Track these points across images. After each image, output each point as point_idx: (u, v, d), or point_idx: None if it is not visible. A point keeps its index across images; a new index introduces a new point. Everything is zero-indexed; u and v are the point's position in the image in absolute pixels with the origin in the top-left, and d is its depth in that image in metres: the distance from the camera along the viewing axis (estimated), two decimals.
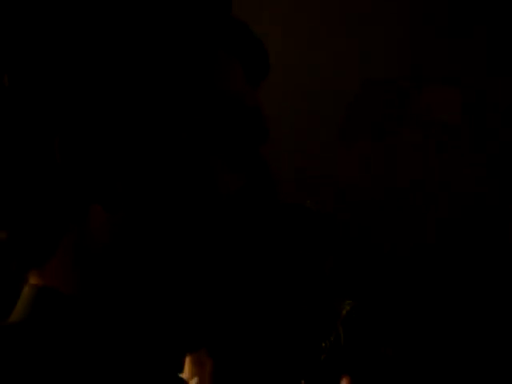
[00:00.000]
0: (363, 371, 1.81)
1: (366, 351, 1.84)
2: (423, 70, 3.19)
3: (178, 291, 0.69)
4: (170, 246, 0.67)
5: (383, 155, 3.20)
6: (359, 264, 3.06)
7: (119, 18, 0.68)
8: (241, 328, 1.41)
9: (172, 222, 0.67)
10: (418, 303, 3.01)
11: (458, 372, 2.89)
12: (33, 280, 0.69)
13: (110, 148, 0.67)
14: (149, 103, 0.68)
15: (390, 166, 3.18)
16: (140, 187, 0.67)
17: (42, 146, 0.66)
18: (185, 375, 1.50)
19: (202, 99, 0.70)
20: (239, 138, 0.72)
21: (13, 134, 0.67)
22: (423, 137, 3.18)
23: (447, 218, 3.09)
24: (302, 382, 1.62)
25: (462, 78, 3.12)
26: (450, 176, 3.14)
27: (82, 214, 0.66)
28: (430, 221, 3.11)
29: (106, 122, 0.67)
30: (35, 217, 0.66)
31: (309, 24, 3.27)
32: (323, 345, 1.85)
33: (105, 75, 0.66)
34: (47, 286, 0.68)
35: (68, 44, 0.67)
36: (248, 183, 0.72)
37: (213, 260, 0.69)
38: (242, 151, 0.72)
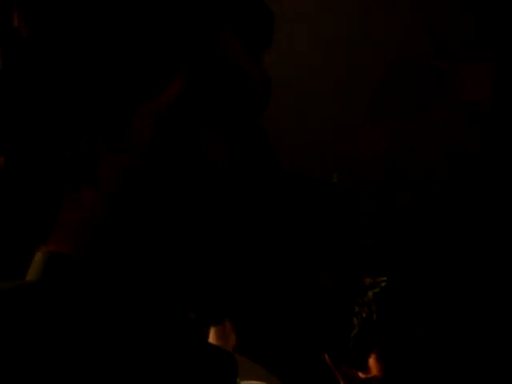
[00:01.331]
0: (394, 349, 1.80)
1: (397, 329, 1.82)
2: (454, 47, 3.15)
3: (187, 260, 0.68)
4: (165, 217, 0.67)
5: (412, 132, 3.17)
6: (390, 241, 3.05)
7: None
8: (266, 301, 1.40)
9: (163, 195, 0.67)
10: (450, 283, 2.99)
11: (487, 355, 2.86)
12: (43, 249, 0.70)
13: (95, 126, 0.66)
14: (138, 76, 0.67)
15: (419, 143, 3.16)
16: (129, 163, 0.67)
17: (33, 129, 0.66)
18: None
19: (196, 67, 0.67)
20: (231, 105, 0.69)
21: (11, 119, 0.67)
22: (453, 114, 3.15)
23: (477, 197, 3.06)
24: (326, 355, 1.61)
25: (494, 54, 3.08)
26: (480, 153, 3.10)
27: (76, 189, 0.67)
28: (458, 198, 3.08)
29: (92, 93, 0.66)
30: (30, 191, 0.68)
31: (341, 0, 3.24)
32: (355, 321, 1.84)
33: (98, 42, 0.66)
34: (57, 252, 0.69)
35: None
36: (241, 155, 0.69)
37: (219, 229, 0.68)
38: (235, 120, 0.70)
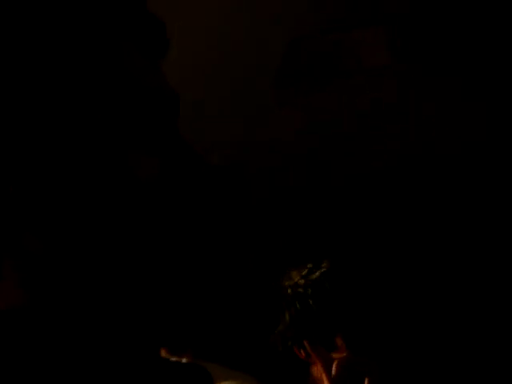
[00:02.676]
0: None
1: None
2: (346, 19, 3.19)
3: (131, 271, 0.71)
4: (101, 244, 0.69)
5: (320, 109, 3.20)
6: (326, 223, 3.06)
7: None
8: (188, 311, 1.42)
9: (96, 220, 0.68)
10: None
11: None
12: None
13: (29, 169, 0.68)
14: (59, 103, 0.68)
15: (328, 117, 3.19)
16: (60, 198, 0.68)
17: None
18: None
19: (106, 89, 0.70)
20: (148, 118, 0.73)
21: None
22: (357, 84, 3.19)
23: (392, 165, 3.09)
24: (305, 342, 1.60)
25: (387, 17, 3.13)
26: (386, 120, 3.15)
27: (17, 240, 0.69)
28: (375, 168, 3.12)
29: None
30: None
31: None
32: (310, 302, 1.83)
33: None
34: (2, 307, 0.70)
35: None
36: (166, 164, 0.73)
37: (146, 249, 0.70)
38: (153, 131, 0.73)
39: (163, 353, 1.48)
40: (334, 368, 1.47)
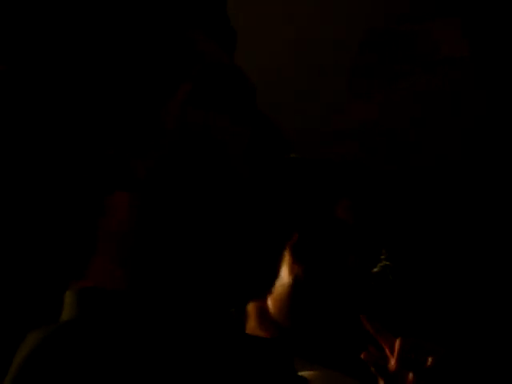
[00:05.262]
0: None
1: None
2: (422, 9, 3.15)
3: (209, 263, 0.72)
4: (193, 214, 0.69)
5: (396, 101, 3.17)
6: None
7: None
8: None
9: (191, 188, 0.69)
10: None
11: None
12: (73, 287, 0.72)
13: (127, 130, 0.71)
14: (155, 87, 0.72)
15: (404, 110, 3.16)
16: (155, 161, 0.68)
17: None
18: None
19: (197, 71, 0.72)
20: (235, 96, 0.74)
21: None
22: (434, 76, 3.14)
23: (461, 159, 3.05)
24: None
25: (463, 7, 3.07)
26: (465, 112, 3.10)
27: (105, 208, 0.70)
28: (446, 162, 3.08)
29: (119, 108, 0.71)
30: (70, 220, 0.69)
31: None
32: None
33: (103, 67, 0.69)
34: (88, 286, 0.71)
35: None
36: (255, 136, 0.74)
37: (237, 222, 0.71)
38: (241, 106, 0.74)
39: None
40: (397, 349, 1.48)
